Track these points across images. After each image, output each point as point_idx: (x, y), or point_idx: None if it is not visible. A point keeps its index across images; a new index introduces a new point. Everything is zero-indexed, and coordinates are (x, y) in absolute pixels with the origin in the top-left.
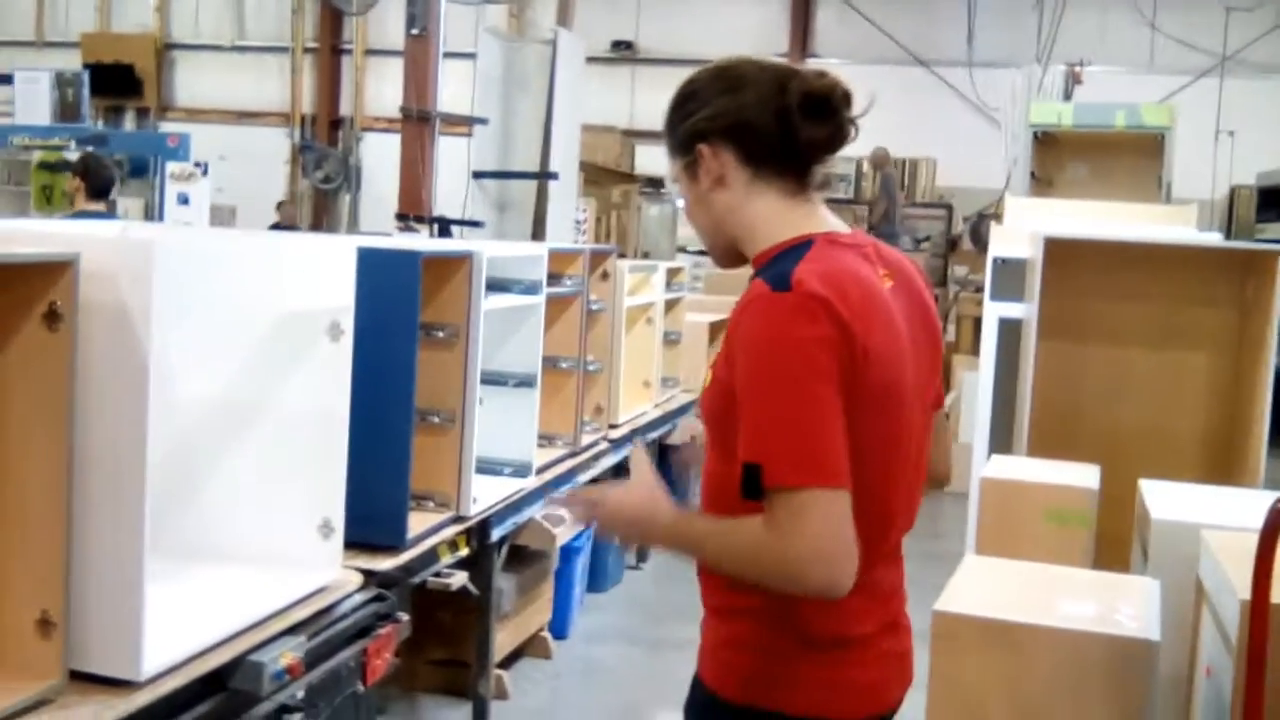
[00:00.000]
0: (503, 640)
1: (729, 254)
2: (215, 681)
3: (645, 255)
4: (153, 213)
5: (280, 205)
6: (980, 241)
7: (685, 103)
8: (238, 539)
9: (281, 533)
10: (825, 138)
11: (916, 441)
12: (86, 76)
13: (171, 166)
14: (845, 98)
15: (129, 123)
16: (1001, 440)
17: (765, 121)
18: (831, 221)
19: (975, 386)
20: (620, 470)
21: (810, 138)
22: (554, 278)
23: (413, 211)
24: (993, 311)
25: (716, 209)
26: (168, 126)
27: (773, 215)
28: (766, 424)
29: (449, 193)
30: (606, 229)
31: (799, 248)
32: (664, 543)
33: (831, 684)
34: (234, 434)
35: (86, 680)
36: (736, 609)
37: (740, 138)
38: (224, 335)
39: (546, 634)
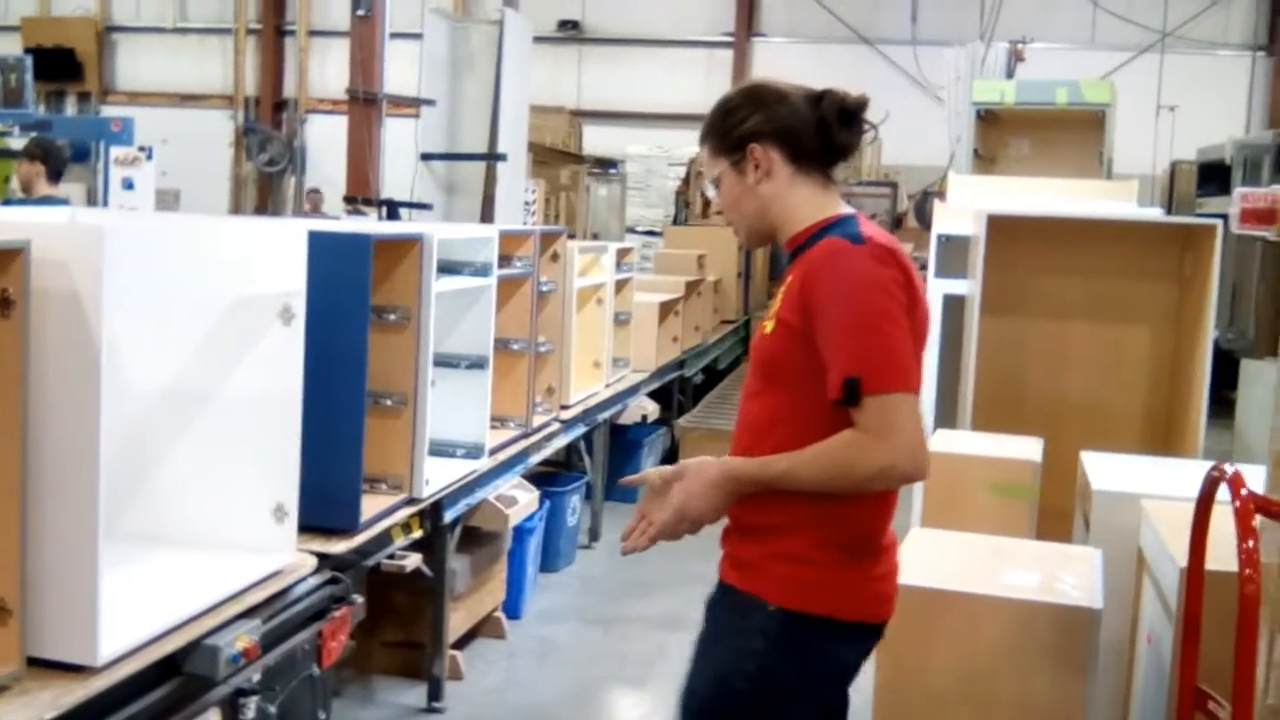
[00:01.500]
0: (457, 621)
1: (763, 236)
2: (171, 666)
3: (595, 236)
4: (96, 198)
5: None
6: (925, 219)
7: (733, 112)
8: (192, 524)
9: (235, 517)
10: (853, 142)
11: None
12: (30, 61)
13: (115, 151)
14: (866, 108)
15: (70, 107)
16: (946, 415)
17: (807, 128)
18: (848, 207)
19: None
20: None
21: (842, 142)
22: (504, 259)
23: (361, 194)
24: (937, 288)
25: (762, 197)
26: (110, 110)
27: (810, 201)
28: (862, 345)
29: (397, 175)
30: (555, 210)
31: (844, 221)
32: (755, 487)
33: (866, 590)
34: (187, 419)
35: (44, 666)
36: (782, 525)
37: (787, 139)
38: (176, 320)
39: (500, 614)
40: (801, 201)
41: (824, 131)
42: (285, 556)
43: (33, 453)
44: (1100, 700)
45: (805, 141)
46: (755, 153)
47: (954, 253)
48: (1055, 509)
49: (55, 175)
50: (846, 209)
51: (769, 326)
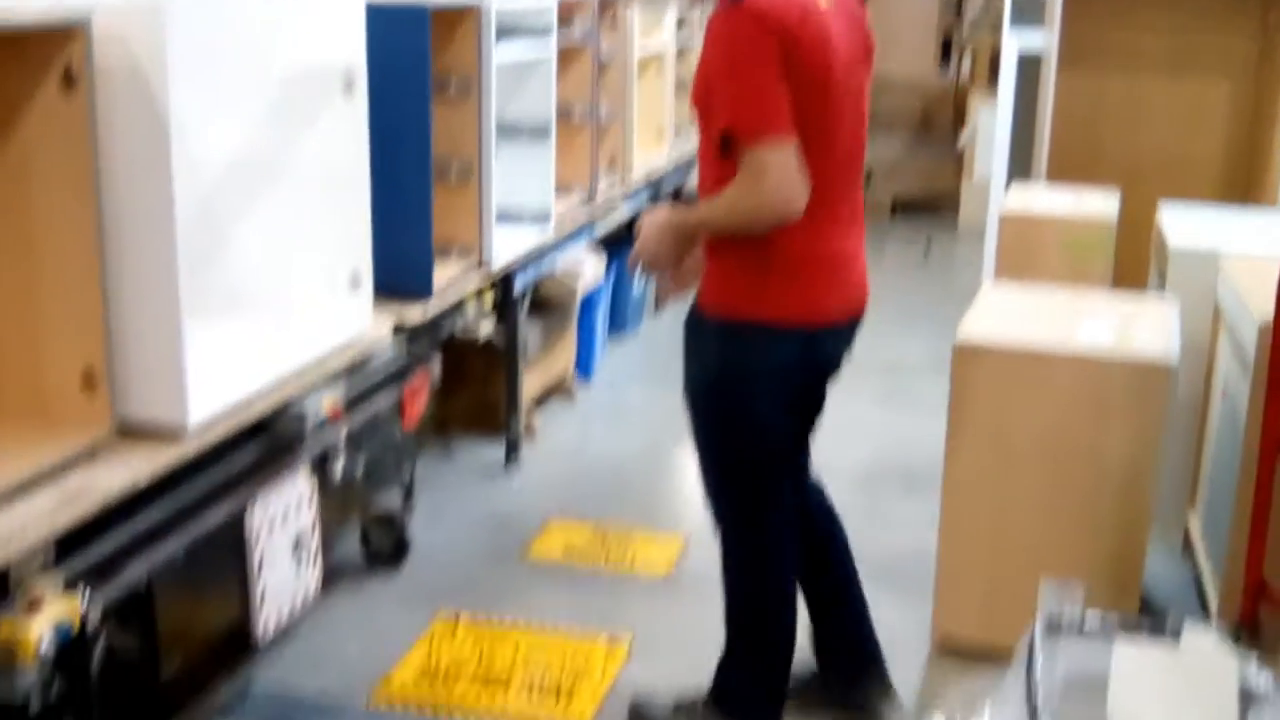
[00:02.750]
0: (530, 384)
1: None
2: (260, 428)
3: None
4: None
5: None
6: None
7: None
8: (270, 291)
9: (312, 285)
10: None
11: (849, 118)
12: None
13: None
14: None
15: None
16: (1019, 173)
17: None
18: None
19: (991, 121)
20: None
21: None
22: (563, 24)
23: None
24: (1011, 41)
25: None
26: None
27: None
28: (733, 100)
29: None
30: None
31: None
32: (688, 229)
33: (790, 299)
34: (258, 189)
35: (136, 431)
36: (720, 251)
37: None
38: (240, 91)
39: (571, 377)
40: None
41: None
42: (363, 323)
43: (110, 224)
44: (1172, 454)
45: None
46: None
47: (1029, 4)
48: (1132, 261)
49: None
50: None
51: (692, 73)
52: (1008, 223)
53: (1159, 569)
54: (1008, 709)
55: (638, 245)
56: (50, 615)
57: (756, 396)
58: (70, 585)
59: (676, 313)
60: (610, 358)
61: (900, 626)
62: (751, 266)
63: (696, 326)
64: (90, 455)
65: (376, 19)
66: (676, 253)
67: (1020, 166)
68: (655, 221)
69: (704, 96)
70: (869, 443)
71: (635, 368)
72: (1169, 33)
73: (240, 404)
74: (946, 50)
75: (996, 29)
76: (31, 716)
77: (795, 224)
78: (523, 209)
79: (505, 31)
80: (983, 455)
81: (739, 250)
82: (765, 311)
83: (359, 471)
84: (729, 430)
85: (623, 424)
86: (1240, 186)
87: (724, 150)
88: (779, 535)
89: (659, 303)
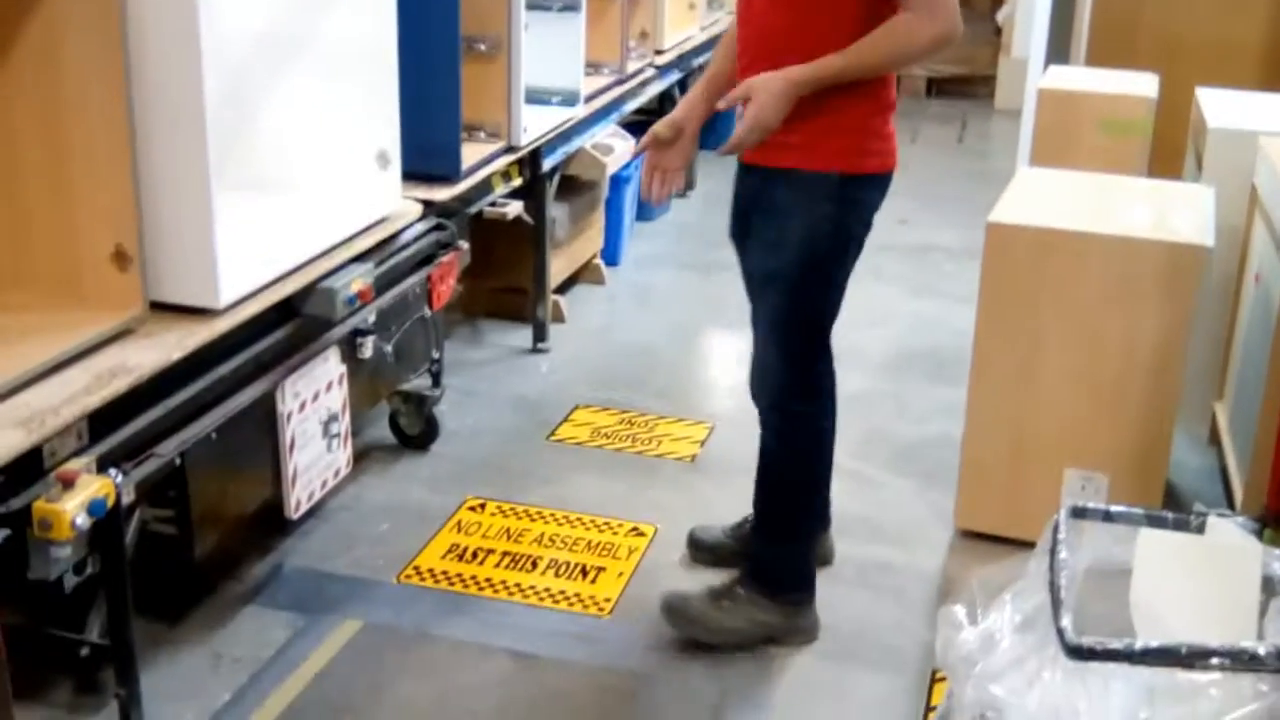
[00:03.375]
0: (558, 267)
1: None
2: (290, 308)
3: None
4: None
5: None
6: None
7: None
8: (299, 170)
9: (341, 163)
10: None
11: None
12: None
13: None
14: None
15: None
16: (1059, 50)
17: None
18: None
19: None
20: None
21: None
22: None
23: None
24: None
25: None
26: None
27: None
28: None
29: None
30: None
31: None
32: (816, 86)
33: (889, 146)
34: (286, 66)
35: (168, 310)
36: (829, 104)
37: None
38: None
39: (599, 261)
40: None
41: None
42: (392, 203)
43: (138, 102)
44: (1202, 342)
45: None
46: None
47: None
48: (1168, 147)
49: None
50: None
51: None
52: (1045, 102)
53: (1184, 459)
54: (1030, 596)
55: (757, 116)
56: (84, 493)
57: (851, 249)
58: (104, 464)
59: (707, 194)
60: (638, 241)
61: (923, 514)
62: (862, 114)
63: (804, 189)
64: (123, 334)
65: None
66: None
67: (1059, 46)
68: (775, 89)
69: None
70: (897, 329)
71: (663, 252)
72: None
73: (270, 283)
74: None
75: None
76: (67, 592)
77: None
78: (551, 88)
79: None
80: (1012, 340)
81: (850, 99)
82: (874, 161)
83: (388, 352)
84: (822, 290)
85: (650, 308)
86: None
87: None
88: (833, 403)
89: (654, 202)
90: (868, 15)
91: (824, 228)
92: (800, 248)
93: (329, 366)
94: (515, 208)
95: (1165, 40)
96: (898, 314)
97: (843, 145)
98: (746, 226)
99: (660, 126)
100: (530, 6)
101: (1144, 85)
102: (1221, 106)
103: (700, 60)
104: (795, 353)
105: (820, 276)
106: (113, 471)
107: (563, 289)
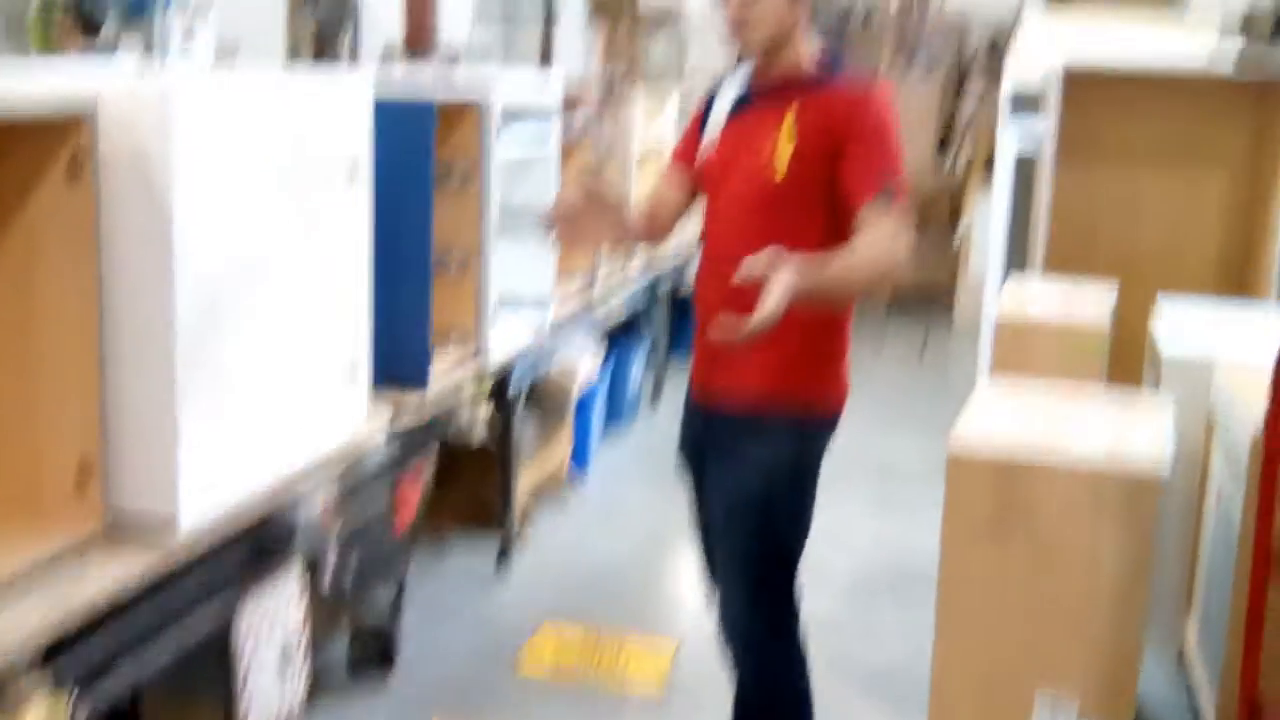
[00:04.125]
0: (525, 479)
1: (765, 52)
2: (252, 524)
3: (654, 83)
4: (153, 52)
5: None
6: (996, 66)
7: None
8: (267, 385)
9: (309, 377)
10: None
11: None
12: None
13: (175, 5)
14: None
15: None
16: (1018, 261)
17: None
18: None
19: (988, 215)
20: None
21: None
22: (565, 109)
23: (418, 44)
24: (1008, 136)
25: (798, 20)
26: None
27: (806, 40)
28: (896, 166)
29: (454, 20)
30: (615, 58)
31: (833, 57)
32: (823, 294)
33: (843, 387)
34: (258, 280)
35: (127, 526)
36: (782, 343)
37: None
38: (245, 180)
39: (567, 471)
40: (803, 38)
41: None
42: (358, 418)
43: (110, 316)
44: (1167, 559)
45: None
46: None
47: (1026, 101)
48: (1127, 353)
49: (90, 29)
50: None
51: (779, 171)
52: (1004, 312)
53: (1154, 680)
54: None
55: (770, 310)
56: (37, 717)
57: (810, 490)
58: (58, 686)
59: (674, 404)
60: (606, 452)
61: None
62: (821, 351)
63: (761, 432)
64: (81, 552)
65: (383, 112)
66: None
67: (1017, 260)
68: (791, 285)
69: (810, 168)
70: (862, 548)
71: (631, 463)
72: (1164, 125)
73: (232, 502)
74: (944, 144)
75: (993, 124)
76: None
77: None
78: (522, 296)
79: (508, 112)
80: (977, 564)
81: (808, 335)
82: (833, 401)
83: (349, 574)
84: (790, 533)
85: (618, 523)
86: (1235, 279)
87: (883, 201)
88: (803, 636)
89: (558, 241)
90: (834, 229)
91: (786, 472)
92: (765, 494)
93: (287, 590)
94: (483, 423)
95: (1121, 250)
96: (862, 533)
97: (803, 380)
98: (701, 470)
99: (612, 190)
100: (503, 219)
101: (1101, 295)
102: (1177, 326)
103: (670, 270)
104: (766, 594)
105: (787, 519)
106: (67, 695)
107: (530, 501)
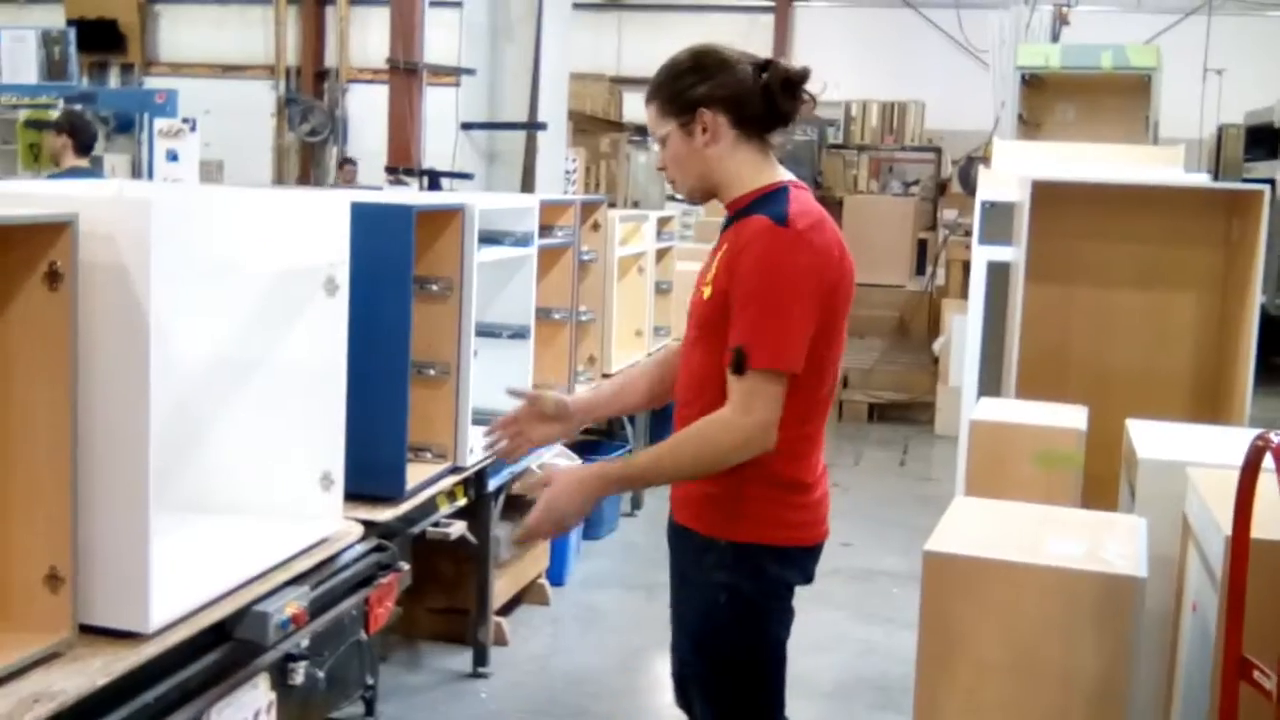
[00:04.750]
0: (501, 587)
1: (705, 194)
2: (222, 632)
3: (635, 204)
4: (140, 169)
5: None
6: (969, 185)
7: (682, 76)
8: (240, 492)
9: (283, 485)
10: (793, 110)
11: (841, 347)
12: (73, 34)
13: (160, 123)
14: (808, 79)
15: (113, 79)
16: (991, 382)
17: (752, 95)
18: (784, 172)
19: (964, 330)
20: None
21: (785, 110)
22: (545, 229)
23: (402, 164)
24: (981, 255)
25: (708, 160)
26: (152, 81)
27: (749, 165)
28: (759, 321)
29: (438, 144)
30: (596, 178)
31: (778, 192)
32: (622, 488)
33: (796, 518)
34: (234, 388)
35: (96, 633)
36: (737, 471)
37: (733, 105)
38: (222, 291)
39: (544, 581)
40: (741, 164)
41: (768, 99)
42: (332, 524)
43: (84, 423)
44: (1145, 667)
45: (749, 108)
46: (704, 117)
47: (998, 219)
48: (1100, 477)
49: (84, 148)
50: (783, 175)
51: (707, 292)
52: (978, 434)
53: None
54: None
55: (547, 509)
56: None
57: (767, 628)
58: None
59: (652, 515)
60: (584, 559)
61: None
62: (767, 481)
63: (699, 553)
64: (49, 658)
65: (362, 217)
66: (600, 500)
67: (993, 374)
68: (576, 477)
69: (717, 308)
70: (845, 655)
71: (609, 571)
72: (1135, 245)
73: (203, 606)
74: (922, 259)
75: (968, 240)
76: None
77: (797, 440)
78: (500, 410)
79: (488, 234)
80: (954, 670)
81: (746, 466)
82: (779, 531)
83: (321, 679)
84: (743, 667)
85: (595, 631)
86: (1208, 403)
87: (734, 368)
88: None
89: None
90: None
91: (719, 595)
92: (699, 614)
93: (258, 694)
94: (458, 528)
95: (1094, 372)
96: (845, 640)
97: (732, 511)
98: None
99: (550, 401)
100: (480, 333)
101: (1074, 417)
102: (1151, 438)
103: None
104: None
105: (736, 653)
106: None
107: (505, 610)
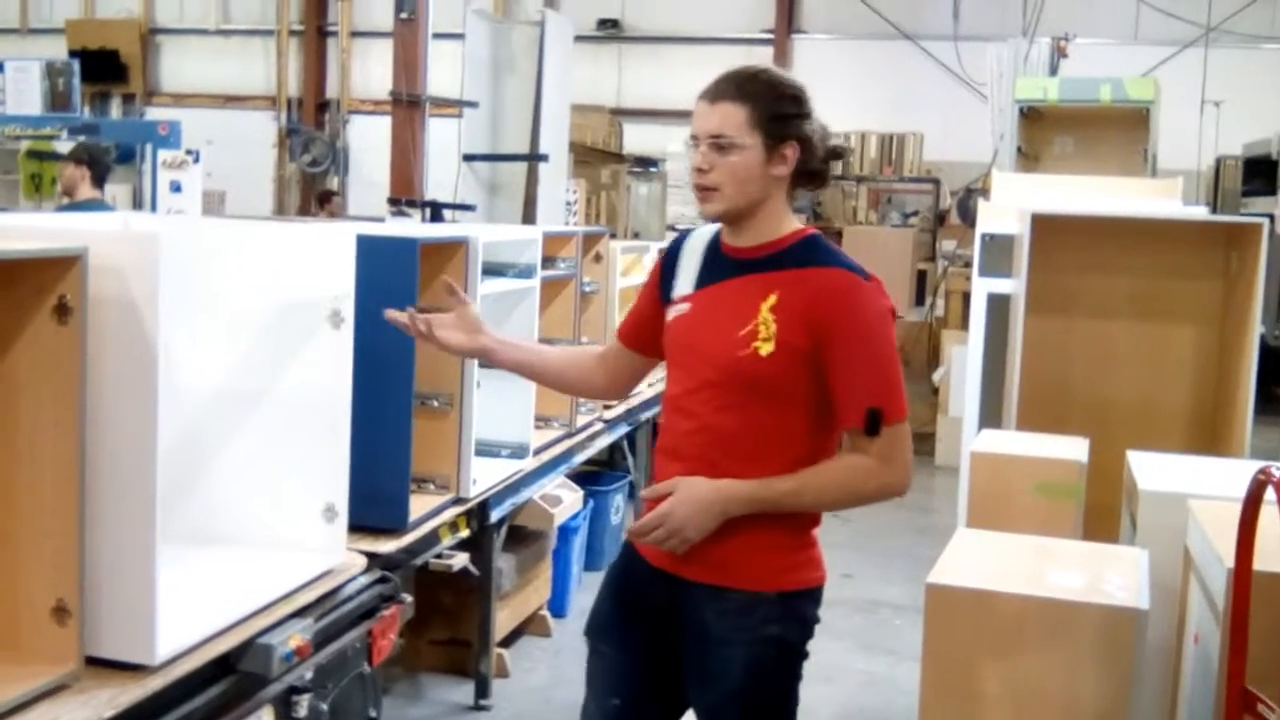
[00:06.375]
0: (503, 619)
1: (734, 217)
2: (226, 664)
3: (635, 235)
4: (142, 200)
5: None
6: (968, 216)
7: (784, 99)
8: (245, 524)
9: (287, 517)
10: (829, 177)
11: None
12: (77, 65)
13: (163, 154)
14: (844, 157)
15: (115, 109)
16: (991, 414)
17: (819, 150)
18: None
19: (964, 361)
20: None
21: (823, 175)
22: (547, 260)
23: (404, 195)
24: (981, 287)
25: (768, 189)
26: (154, 112)
27: (786, 210)
28: (882, 378)
29: (440, 176)
30: (597, 209)
31: (816, 240)
32: (750, 508)
33: (819, 557)
34: (239, 421)
35: (102, 665)
36: (760, 523)
37: (809, 153)
38: (229, 324)
39: (546, 612)
40: (782, 207)
41: (825, 158)
42: (336, 556)
43: (91, 456)
44: (1147, 700)
45: (812, 161)
46: (791, 149)
47: (998, 251)
48: (1101, 509)
49: (99, 180)
50: (805, 226)
51: (766, 348)
52: (978, 466)
53: None
54: None
55: (678, 522)
56: None
57: (800, 668)
58: None
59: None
60: (586, 591)
61: None
62: (803, 528)
63: (744, 610)
64: (56, 690)
65: (367, 249)
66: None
67: (993, 405)
68: (704, 499)
69: (786, 366)
70: (847, 687)
71: None
72: (1134, 278)
73: (208, 639)
74: (921, 290)
75: (968, 271)
76: None
77: None
78: (502, 441)
79: (491, 265)
80: (955, 702)
81: (788, 515)
82: (815, 572)
83: (324, 711)
84: (784, 710)
85: None
86: (1208, 434)
87: (870, 429)
88: None
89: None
90: (817, 431)
91: (769, 651)
92: (746, 674)
93: None
94: (461, 559)
95: (1094, 404)
96: (848, 671)
97: (773, 562)
98: (637, 643)
99: (472, 316)
100: (484, 364)
101: (1074, 449)
102: (1152, 470)
103: (647, 415)
104: None
105: (783, 702)
106: None
107: (507, 642)
